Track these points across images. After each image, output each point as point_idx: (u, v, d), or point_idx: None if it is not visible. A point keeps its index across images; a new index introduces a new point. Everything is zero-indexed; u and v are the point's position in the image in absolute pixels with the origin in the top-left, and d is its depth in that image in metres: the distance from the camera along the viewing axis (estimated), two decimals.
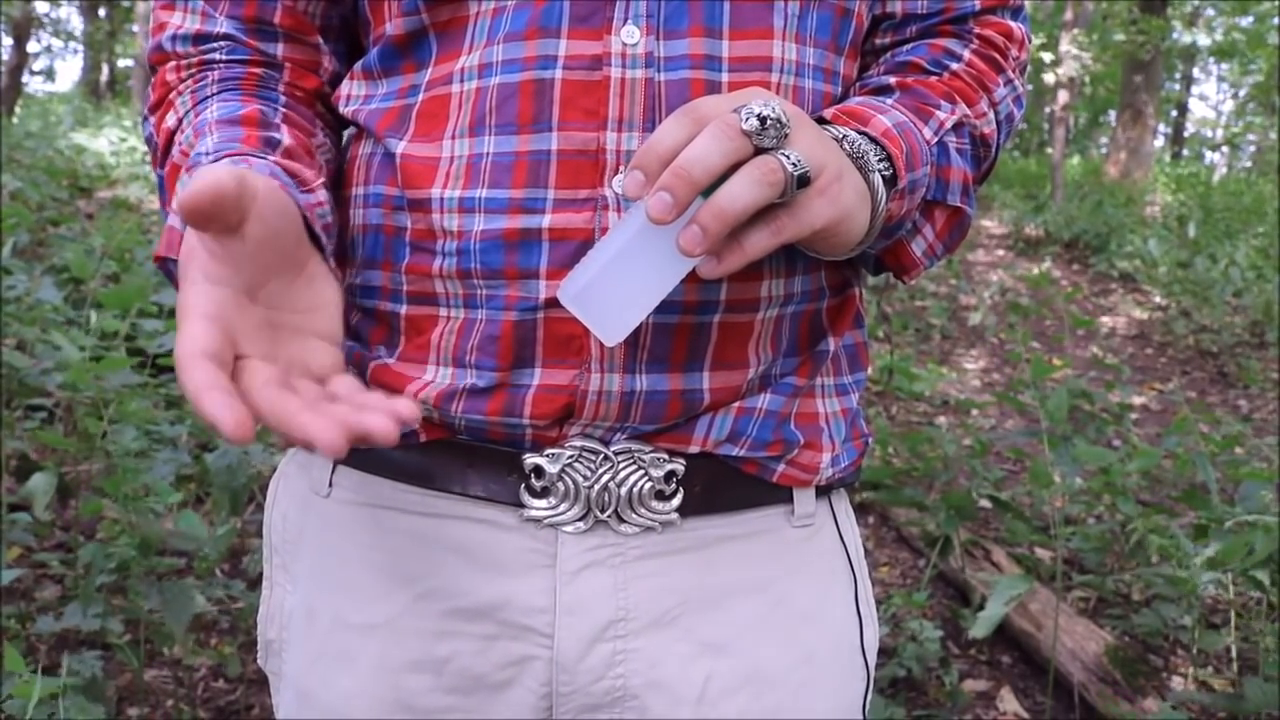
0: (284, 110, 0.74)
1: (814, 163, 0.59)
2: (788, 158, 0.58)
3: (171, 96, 0.75)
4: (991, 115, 0.77)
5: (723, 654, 0.74)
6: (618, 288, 0.60)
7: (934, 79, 0.75)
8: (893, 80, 0.75)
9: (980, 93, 0.76)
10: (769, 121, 0.57)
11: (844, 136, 0.65)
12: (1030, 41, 0.82)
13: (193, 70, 0.75)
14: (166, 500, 1.93)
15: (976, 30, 0.78)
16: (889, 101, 0.71)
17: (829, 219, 0.61)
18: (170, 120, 0.73)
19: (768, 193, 0.57)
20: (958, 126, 0.74)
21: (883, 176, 0.65)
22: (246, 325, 0.55)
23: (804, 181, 0.59)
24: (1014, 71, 0.79)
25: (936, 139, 0.72)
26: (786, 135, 0.59)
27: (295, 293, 0.59)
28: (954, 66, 0.76)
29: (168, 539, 1.96)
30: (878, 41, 0.79)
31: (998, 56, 0.78)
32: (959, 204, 0.75)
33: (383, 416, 0.50)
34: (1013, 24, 0.79)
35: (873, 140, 0.66)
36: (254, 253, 0.56)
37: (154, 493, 1.96)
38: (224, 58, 0.75)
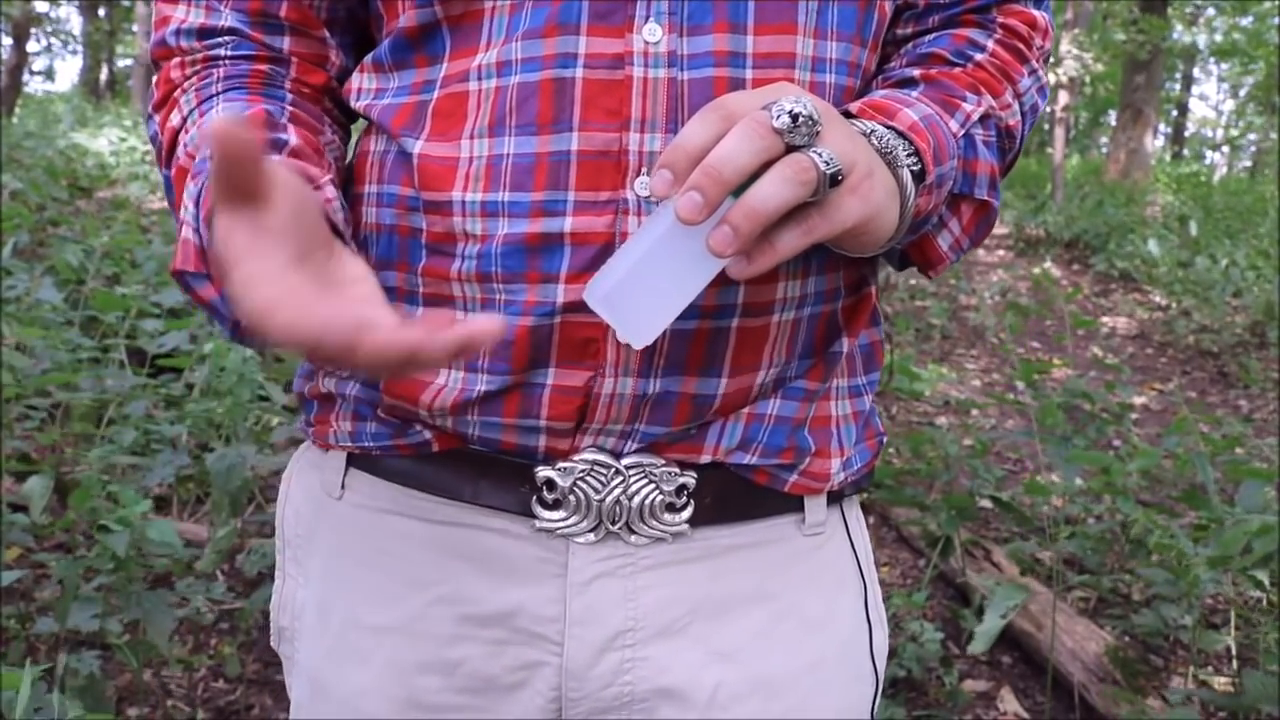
0: (290, 109, 0.72)
1: (845, 160, 0.58)
2: (819, 155, 0.57)
3: (176, 95, 0.73)
4: (1016, 106, 0.75)
5: (732, 662, 0.73)
6: (646, 289, 0.58)
7: (958, 70, 0.73)
8: (917, 72, 0.73)
9: (1005, 83, 0.74)
10: (800, 119, 0.56)
11: (872, 131, 0.63)
12: (1053, 30, 0.80)
13: (197, 67, 0.73)
14: (135, 510, 1.91)
15: (1000, 19, 0.76)
16: (914, 94, 0.70)
17: (860, 217, 0.60)
18: (175, 119, 0.72)
19: (800, 192, 0.56)
20: (984, 119, 0.72)
21: (911, 172, 0.64)
22: (312, 283, 0.53)
23: (836, 180, 0.57)
24: (1038, 61, 0.78)
25: (963, 132, 0.70)
26: (818, 132, 0.57)
27: (332, 269, 0.58)
28: (978, 57, 0.74)
29: (146, 547, 1.96)
30: (899, 32, 0.77)
31: (1021, 46, 0.76)
32: (985, 197, 0.73)
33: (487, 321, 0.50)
34: (1036, 12, 0.78)
35: (900, 135, 0.65)
36: (287, 224, 0.54)
37: (122, 504, 1.95)
38: (229, 54, 0.73)
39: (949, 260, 0.75)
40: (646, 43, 0.65)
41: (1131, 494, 3.00)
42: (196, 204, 0.64)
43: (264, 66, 0.74)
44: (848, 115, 0.66)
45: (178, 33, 0.74)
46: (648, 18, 0.65)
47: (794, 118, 0.56)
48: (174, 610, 1.99)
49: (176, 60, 0.74)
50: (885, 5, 0.72)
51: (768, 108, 0.57)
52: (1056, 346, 6.08)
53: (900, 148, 0.64)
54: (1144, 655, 2.44)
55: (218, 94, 0.71)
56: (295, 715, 0.80)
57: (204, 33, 0.73)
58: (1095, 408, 3.67)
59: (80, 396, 2.68)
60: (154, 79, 0.76)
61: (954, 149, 0.69)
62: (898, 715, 2.15)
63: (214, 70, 0.73)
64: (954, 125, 0.70)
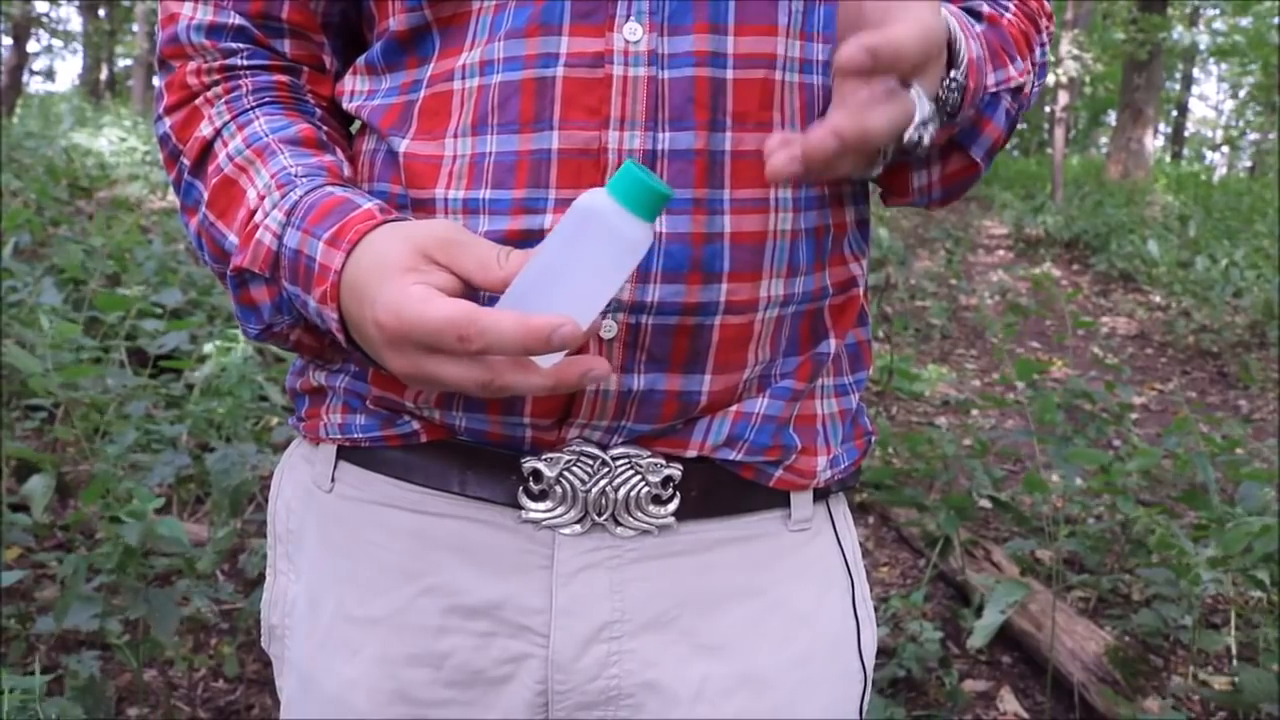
0: (325, 129, 0.74)
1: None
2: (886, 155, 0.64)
3: (199, 104, 0.74)
4: (1031, 75, 0.75)
5: (719, 656, 0.74)
6: (553, 300, 0.57)
7: (1001, 20, 0.73)
8: (986, 9, 0.73)
9: (1026, 49, 0.75)
10: (922, 141, 0.61)
11: (949, 90, 0.65)
12: (1053, 21, 0.81)
13: (216, 77, 0.74)
14: (148, 506, 1.92)
15: None
16: (978, 29, 0.70)
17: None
18: (205, 130, 0.73)
19: (855, 171, 0.65)
20: (1016, 90, 0.73)
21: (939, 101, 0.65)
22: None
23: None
24: (1047, 36, 0.78)
25: (995, 89, 0.71)
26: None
27: None
28: (1008, 16, 0.74)
29: (153, 545, 1.96)
30: None
31: (1035, 17, 0.77)
32: (979, 159, 0.73)
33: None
34: None
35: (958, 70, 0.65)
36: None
37: (137, 498, 1.95)
38: (246, 63, 0.74)
39: (911, 199, 0.76)
40: (627, 41, 0.65)
41: (1131, 494, 3.00)
42: (288, 215, 0.66)
43: (285, 78, 0.75)
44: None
45: (188, 29, 0.74)
46: (628, 17, 0.65)
47: (919, 134, 0.61)
48: (179, 609, 2.00)
49: (193, 65, 0.74)
50: None
51: (917, 125, 0.61)
52: (1056, 346, 6.08)
53: (954, 95, 0.65)
54: (1144, 655, 2.44)
55: (253, 108, 0.73)
56: (286, 714, 0.80)
57: (213, 30, 0.74)
58: (1095, 407, 3.67)
59: (81, 396, 2.68)
60: (164, 78, 0.76)
61: (980, 100, 0.69)
62: (898, 715, 2.14)
63: (239, 82, 0.74)
64: (990, 80, 0.70)
